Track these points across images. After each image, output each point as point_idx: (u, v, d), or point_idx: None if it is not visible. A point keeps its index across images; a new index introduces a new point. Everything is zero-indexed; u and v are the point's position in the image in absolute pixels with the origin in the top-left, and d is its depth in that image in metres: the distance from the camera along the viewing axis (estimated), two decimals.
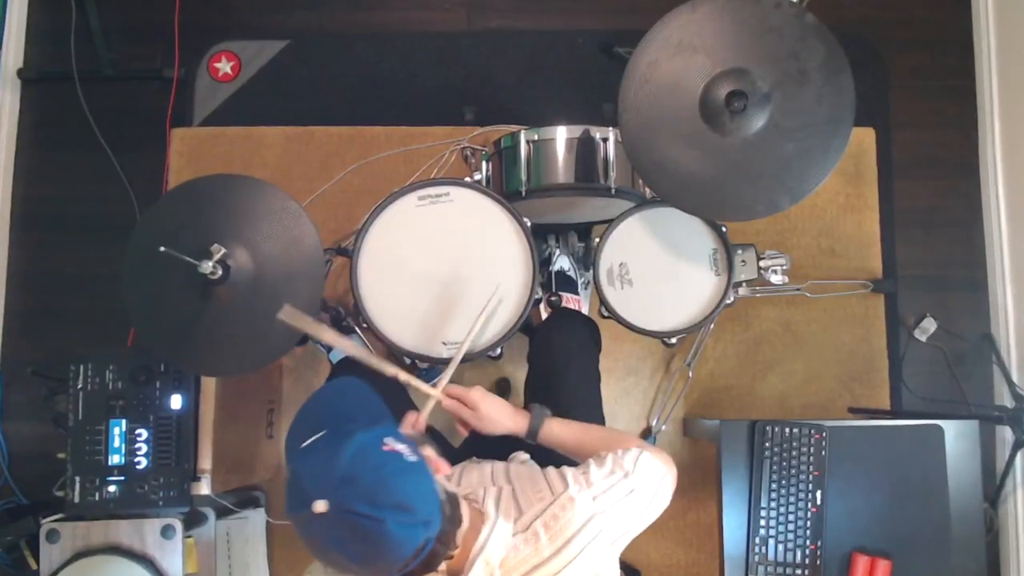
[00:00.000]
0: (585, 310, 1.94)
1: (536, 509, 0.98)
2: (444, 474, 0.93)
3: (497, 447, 1.27)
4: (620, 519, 1.01)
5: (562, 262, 1.93)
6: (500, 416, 1.21)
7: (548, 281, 1.88)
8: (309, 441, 0.84)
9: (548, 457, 1.22)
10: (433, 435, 1.46)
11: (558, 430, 1.21)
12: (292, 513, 0.82)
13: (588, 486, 1.01)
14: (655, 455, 1.09)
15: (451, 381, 1.25)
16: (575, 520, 0.96)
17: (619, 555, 1.02)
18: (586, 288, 1.97)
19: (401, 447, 0.84)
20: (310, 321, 1.21)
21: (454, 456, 1.29)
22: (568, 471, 1.04)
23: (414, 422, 1.20)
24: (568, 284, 1.90)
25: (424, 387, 1.21)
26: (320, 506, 0.78)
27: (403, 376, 1.20)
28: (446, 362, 1.46)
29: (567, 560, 0.94)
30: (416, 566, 0.85)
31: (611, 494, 1.01)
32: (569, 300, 1.88)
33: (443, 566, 0.90)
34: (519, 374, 2.14)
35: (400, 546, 0.81)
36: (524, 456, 1.31)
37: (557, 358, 1.52)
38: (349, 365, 1.68)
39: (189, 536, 1.60)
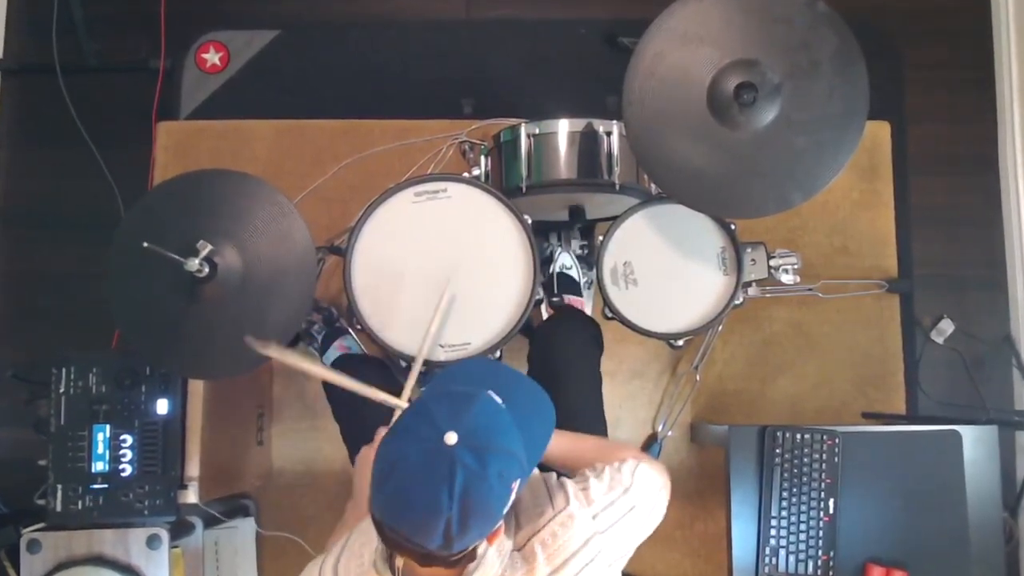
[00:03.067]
0: (588, 311, 1.94)
1: (535, 525, 0.98)
2: (492, 544, 0.93)
3: None
4: (619, 539, 1.01)
5: (564, 261, 1.93)
6: None
7: (550, 282, 1.88)
8: (498, 399, 0.86)
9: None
10: None
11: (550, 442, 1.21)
12: (438, 399, 0.84)
13: (589, 504, 1.00)
14: (651, 466, 1.10)
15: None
16: (574, 539, 0.96)
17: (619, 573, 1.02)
18: (589, 288, 1.97)
19: (514, 496, 0.86)
20: (277, 348, 1.24)
21: None
22: (569, 485, 1.04)
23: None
24: (571, 285, 1.90)
25: (391, 400, 1.24)
26: (453, 437, 0.79)
27: (368, 392, 1.23)
28: (443, 365, 1.47)
29: None
30: (406, 551, 0.85)
31: (611, 512, 1.01)
32: (572, 302, 1.88)
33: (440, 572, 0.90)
34: None
35: (427, 532, 0.80)
36: None
37: (557, 359, 1.52)
38: (344, 367, 1.69)
39: (176, 546, 1.60)
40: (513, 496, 0.85)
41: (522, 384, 0.97)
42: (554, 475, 1.09)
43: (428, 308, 1.47)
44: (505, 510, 0.84)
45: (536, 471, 1.20)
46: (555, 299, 1.85)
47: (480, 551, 0.91)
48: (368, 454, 1.23)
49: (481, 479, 0.80)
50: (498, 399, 0.87)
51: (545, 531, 0.96)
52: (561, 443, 1.20)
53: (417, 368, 1.33)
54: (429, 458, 0.80)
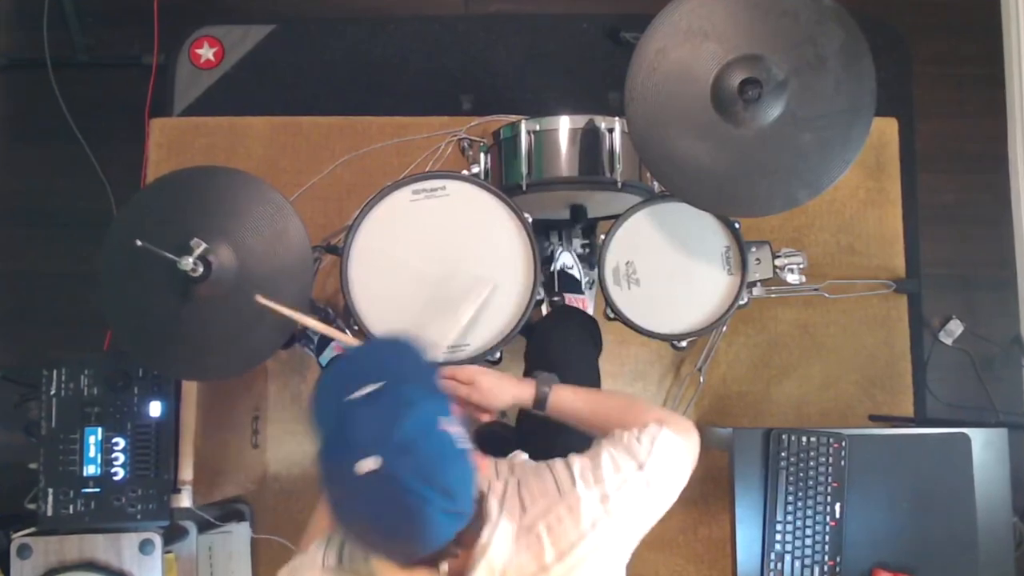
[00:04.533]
0: (590, 311, 1.94)
1: (540, 508, 0.97)
2: (483, 473, 0.92)
3: (494, 451, 1.27)
4: (630, 520, 0.99)
5: (565, 260, 1.94)
6: (502, 386, 1.19)
7: (550, 281, 1.88)
8: (365, 391, 0.83)
9: (549, 455, 1.22)
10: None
11: (569, 397, 1.18)
12: (331, 462, 0.81)
13: (597, 484, 0.98)
14: (676, 430, 1.07)
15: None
16: (581, 523, 0.95)
17: (626, 563, 1.01)
18: (591, 288, 1.97)
19: (455, 429, 0.84)
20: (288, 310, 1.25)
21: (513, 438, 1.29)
22: (576, 464, 1.01)
23: None
24: (572, 284, 1.90)
25: None
26: (370, 463, 0.77)
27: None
28: (442, 366, 1.47)
29: (570, 567, 0.93)
30: (425, 558, 0.85)
31: (623, 493, 0.98)
32: (574, 300, 1.88)
33: (445, 566, 0.89)
34: None
35: (433, 532, 0.81)
36: (523, 456, 1.31)
37: (554, 357, 1.52)
38: None
39: (169, 551, 1.60)
40: (453, 428, 0.84)
41: (405, 353, 0.96)
42: (559, 459, 1.06)
43: (427, 308, 1.47)
44: (460, 443, 0.84)
45: (531, 461, 1.20)
46: (556, 299, 1.85)
47: (484, 538, 0.91)
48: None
49: (421, 501, 0.79)
50: (370, 388, 0.84)
51: (551, 515, 0.95)
52: (585, 400, 1.18)
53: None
54: (353, 487, 0.79)
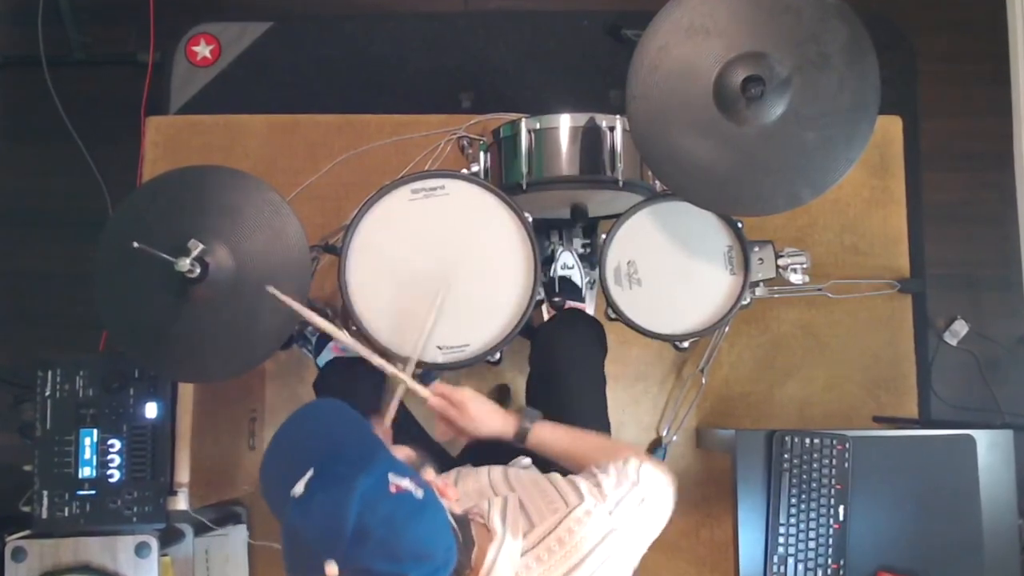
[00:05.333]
0: (590, 312, 1.94)
1: (549, 523, 0.97)
2: (452, 499, 0.90)
3: (498, 456, 1.27)
4: (635, 533, 1.01)
5: (566, 260, 1.94)
6: (488, 416, 1.24)
7: (551, 285, 1.89)
8: (300, 487, 0.79)
9: (550, 463, 1.22)
10: (416, 436, 1.48)
11: (549, 434, 1.23)
12: (296, 574, 0.80)
13: (603, 499, 1.00)
14: (654, 465, 1.10)
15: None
16: (591, 536, 0.96)
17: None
18: (592, 288, 1.97)
19: (406, 483, 0.81)
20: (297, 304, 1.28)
21: (451, 465, 1.29)
22: (580, 482, 1.03)
23: (380, 423, 1.25)
24: (572, 290, 1.90)
25: (419, 388, 1.26)
26: (332, 569, 0.75)
27: (390, 370, 1.28)
28: (441, 367, 1.47)
29: None
30: None
31: (624, 506, 1.01)
32: (573, 306, 1.88)
33: None
34: (520, 380, 2.14)
35: (420, 526, 0.80)
36: (526, 461, 1.31)
37: (560, 360, 1.52)
38: (337, 370, 1.69)
39: (165, 554, 1.60)
40: (404, 484, 0.81)
41: (327, 419, 0.91)
42: (556, 474, 1.09)
43: (425, 309, 1.47)
44: (416, 494, 0.81)
45: (537, 472, 1.20)
46: (556, 299, 1.85)
47: (490, 557, 0.91)
48: None
49: (383, 538, 0.76)
50: (304, 480, 0.80)
51: (560, 528, 0.96)
52: (563, 439, 1.22)
53: (411, 367, 1.35)
54: None
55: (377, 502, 0.78)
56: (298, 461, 0.82)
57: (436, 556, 0.81)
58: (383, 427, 1.28)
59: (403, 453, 0.97)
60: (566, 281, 1.90)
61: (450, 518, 0.86)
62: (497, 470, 1.19)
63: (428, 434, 1.53)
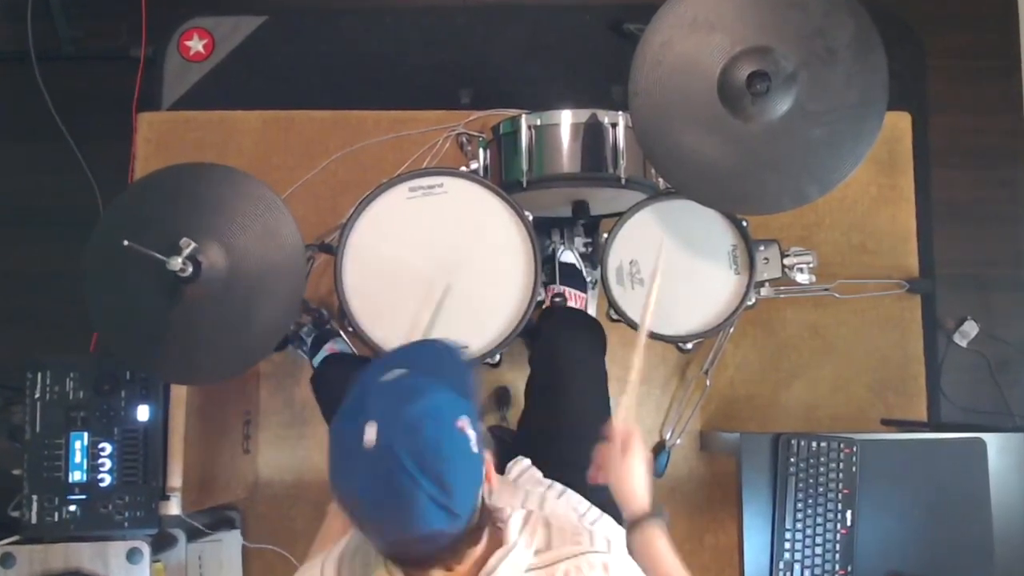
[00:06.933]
0: (592, 311, 1.94)
1: (565, 551, 0.96)
2: (491, 483, 0.93)
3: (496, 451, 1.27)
4: None
5: (567, 259, 1.93)
6: (636, 487, 1.13)
7: (551, 273, 1.88)
8: (393, 375, 0.87)
9: (546, 459, 1.21)
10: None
11: (657, 547, 1.09)
12: (341, 425, 0.84)
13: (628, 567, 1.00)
14: None
15: None
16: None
17: None
18: (593, 288, 1.97)
19: (472, 433, 0.85)
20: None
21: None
22: (613, 532, 1.04)
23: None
24: (574, 277, 1.90)
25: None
26: (371, 432, 0.80)
27: None
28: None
29: None
30: (412, 553, 0.86)
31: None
32: (574, 297, 1.88)
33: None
34: (519, 382, 2.13)
35: (419, 519, 0.81)
36: (525, 462, 1.31)
37: (562, 359, 1.52)
38: (334, 365, 1.69)
39: (157, 560, 1.61)
40: (469, 431, 0.85)
41: (449, 356, 0.99)
42: (591, 506, 1.09)
43: (423, 309, 1.47)
44: (473, 446, 0.85)
45: (574, 498, 1.18)
46: (557, 299, 1.85)
47: (492, 563, 0.91)
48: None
49: (413, 483, 0.80)
50: (397, 372, 0.88)
51: (580, 559, 0.95)
52: (662, 561, 1.10)
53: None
54: (351, 452, 0.81)
55: (443, 418, 0.83)
56: (405, 363, 0.90)
57: (454, 498, 0.82)
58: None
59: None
60: (568, 267, 1.90)
61: (482, 493, 0.89)
62: (534, 494, 1.18)
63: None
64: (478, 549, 0.92)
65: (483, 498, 0.90)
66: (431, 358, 0.97)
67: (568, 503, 1.25)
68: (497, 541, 0.95)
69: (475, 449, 0.85)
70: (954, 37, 2.34)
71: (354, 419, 0.82)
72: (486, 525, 0.93)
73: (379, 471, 0.80)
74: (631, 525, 1.11)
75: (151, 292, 1.34)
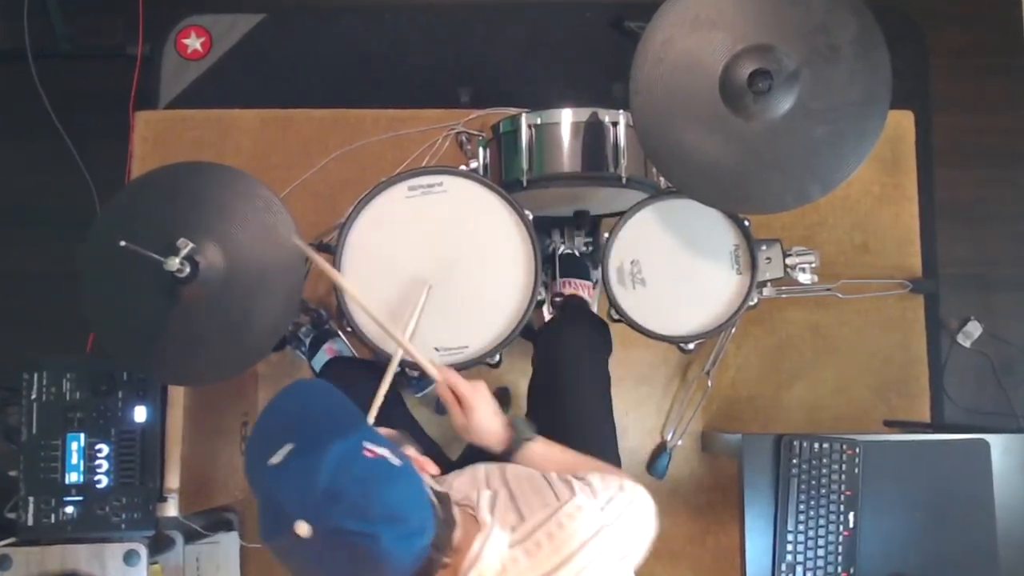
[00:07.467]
0: (594, 307, 1.94)
1: (539, 517, 0.98)
2: (431, 473, 0.94)
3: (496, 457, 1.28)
4: (627, 531, 1.02)
5: (565, 251, 1.93)
6: (488, 426, 1.23)
7: (552, 269, 1.88)
8: (278, 458, 0.83)
9: None
10: (416, 435, 1.48)
11: (539, 455, 1.22)
12: (271, 540, 0.82)
13: (595, 496, 1.02)
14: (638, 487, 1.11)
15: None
16: (583, 530, 0.97)
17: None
18: (594, 288, 1.97)
19: (383, 451, 0.85)
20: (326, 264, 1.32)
21: (450, 468, 1.29)
22: (573, 480, 1.05)
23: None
24: (575, 266, 1.90)
25: (427, 365, 1.28)
26: (303, 528, 0.77)
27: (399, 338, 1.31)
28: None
29: (572, 574, 0.94)
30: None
31: (615, 505, 1.03)
32: (578, 286, 1.88)
33: None
34: (520, 383, 2.13)
35: (398, 561, 0.81)
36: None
37: (563, 359, 1.52)
38: (335, 371, 1.69)
39: (155, 562, 1.60)
40: (380, 451, 0.84)
41: (308, 397, 0.97)
42: (553, 473, 1.09)
43: (411, 310, 1.47)
44: (393, 460, 0.84)
45: (524, 469, 1.20)
46: (558, 299, 1.85)
47: (476, 547, 0.92)
48: None
49: (370, 538, 0.78)
50: (282, 451, 0.84)
51: (551, 522, 0.97)
52: (557, 459, 1.22)
53: (393, 369, 1.33)
54: (303, 556, 0.80)
55: (351, 463, 0.81)
56: (279, 438, 0.86)
57: (411, 520, 0.82)
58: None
59: (384, 431, 0.99)
60: (567, 258, 1.90)
61: (428, 490, 0.89)
62: (493, 467, 1.20)
63: (427, 436, 1.54)
64: (458, 534, 0.93)
65: (432, 489, 0.90)
66: (301, 411, 0.93)
67: (527, 469, 1.26)
68: (474, 524, 0.96)
69: (396, 461, 0.85)
70: (958, 35, 2.34)
71: (281, 531, 0.79)
72: (450, 507, 0.94)
73: (336, 551, 0.79)
74: (507, 456, 1.22)
75: (148, 293, 1.34)
